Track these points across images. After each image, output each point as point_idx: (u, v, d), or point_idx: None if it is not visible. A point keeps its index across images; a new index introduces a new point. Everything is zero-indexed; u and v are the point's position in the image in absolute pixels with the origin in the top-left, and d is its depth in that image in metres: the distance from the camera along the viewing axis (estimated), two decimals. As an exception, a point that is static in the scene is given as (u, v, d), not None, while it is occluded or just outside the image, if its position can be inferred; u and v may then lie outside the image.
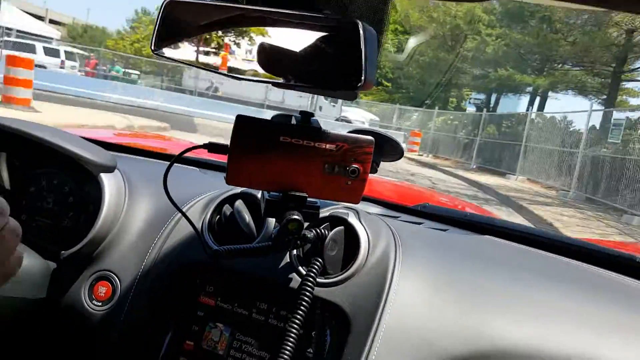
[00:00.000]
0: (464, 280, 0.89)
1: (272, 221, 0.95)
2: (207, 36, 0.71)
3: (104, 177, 1.06)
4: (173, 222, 1.03)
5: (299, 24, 0.62)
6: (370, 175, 0.79)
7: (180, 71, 26.03)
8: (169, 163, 0.82)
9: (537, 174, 14.65)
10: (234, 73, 0.69)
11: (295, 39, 0.64)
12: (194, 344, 0.96)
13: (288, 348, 0.75)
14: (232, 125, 0.72)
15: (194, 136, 11.49)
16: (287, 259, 0.91)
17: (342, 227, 0.90)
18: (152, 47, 0.66)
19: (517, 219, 7.73)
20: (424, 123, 24.53)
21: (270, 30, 0.66)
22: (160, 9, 0.65)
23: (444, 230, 1.17)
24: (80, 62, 25.98)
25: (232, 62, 0.71)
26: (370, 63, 0.58)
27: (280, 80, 0.68)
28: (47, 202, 1.09)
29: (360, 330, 0.83)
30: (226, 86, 23.96)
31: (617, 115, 13.19)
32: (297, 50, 0.64)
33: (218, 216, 1.00)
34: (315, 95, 26.17)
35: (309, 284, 0.81)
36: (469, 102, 33.39)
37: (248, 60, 0.70)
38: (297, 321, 0.77)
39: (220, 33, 0.70)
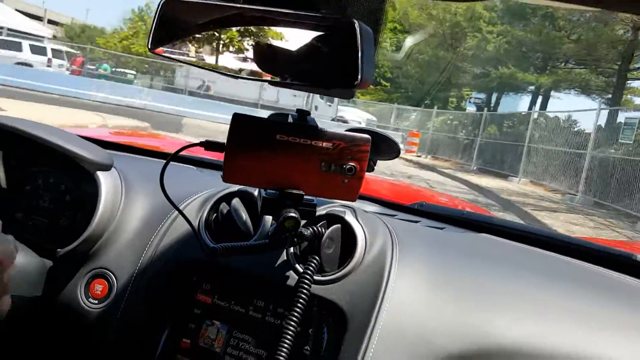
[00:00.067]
0: (461, 278, 0.92)
1: (269, 219, 0.99)
2: (205, 35, 0.74)
3: (101, 175, 1.09)
4: (170, 220, 1.06)
5: (296, 23, 0.65)
6: (367, 174, 0.82)
7: (172, 69, 26.05)
8: (165, 161, 0.85)
9: (540, 176, 14.47)
10: (230, 71, 0.72)
11: (293, 38, 0.67)
12: (191, 342, 0.99)
13: (285, 345, 0.78)
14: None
15: (175, 137, 11.48)
16: (284, 256, 0.95)
17: (339, 225, 0.94)
18: (149, 46, 0.69)
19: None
20: (423, 123, 24.52)
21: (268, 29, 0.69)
22: (158, 8, 0.67)
23: (441, 228, 1.21)
24: (68, 60, 25.94)
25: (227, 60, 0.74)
26: (367, 62, 0.61)
27: (277, 79, 0.71)
28: (44, 201, 1.12)
29: (358, 328, 0.86)
30: (218, 85, 24.01)
31: (629, 114, 12.82)
32: (294, 49, 0.67)
33: (215, 214, 1.03)
34: (311, 95, 26.18)
35: (306, 281, 0.84)
36: (469, 102, 33.44)
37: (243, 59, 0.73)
38: (294, 319, 0.80)
39: (217, 32, 0.73)
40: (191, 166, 1.44)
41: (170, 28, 0.69)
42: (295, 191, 0.79)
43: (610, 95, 20.91)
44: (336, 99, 24.42)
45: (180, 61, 0.74)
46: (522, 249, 1.15)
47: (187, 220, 0.90)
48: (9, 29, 24.76)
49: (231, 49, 0.73)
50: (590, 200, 11.58)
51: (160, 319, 1.00)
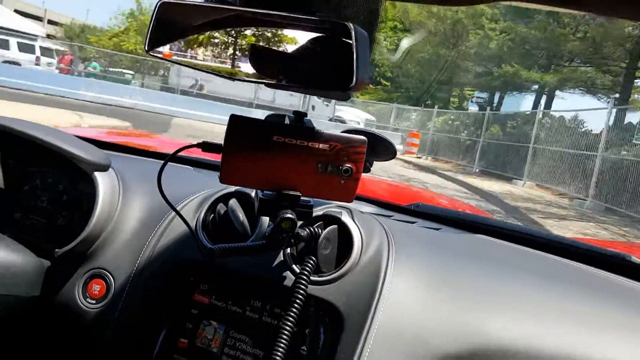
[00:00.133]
0: (458, 279, 0.96)
1: (266, 220, 1.02)
2: (201, 37, 0.77)
3: (98, 175, 1.13)
4: (167, 220, 1.10)
5: (292, 25, 0.69)
6: (364, 174, 0.85)
7: (165, 68, 26.03)
8: (163, 162, 0.89)
9: (547, 179, 14.29)
10: (225, 72, 0.76)
11: (289, 40, 0.70)
12: (188, 342, 1.03)
13: (282, 346, 0.82)
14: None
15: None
16: (281, 257, 0.98)
17: (335, 226, 0.98)
18: (146, 48, 0.71)
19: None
20: (423, 123, 24.49)
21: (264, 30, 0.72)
22: (155, 9, 0.69)
23: (437, 229, 1.25)
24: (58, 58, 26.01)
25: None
26: (362, 64, 0.64)
27: (273, 81, 0.75)
28: (42, 201, 1.16)
29: (354, 328, 0.89)
30: (212, 84, 24.01)
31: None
32: (290, 51, 0.70)
33: (212, 215, 1.07)
34: (308, 95, 26.23)
35: (303, 282, 0.87)
36: (471, 101, 33.48)
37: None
38: (291, 319, 0.84)
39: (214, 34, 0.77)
40: (189, 167, 1.48)
41: (167, 29, 0.71)
42: (292, 192, 0.82)
43: (617, 95, 20.87)
44: (333, 99, 24.41)
45: (177, 62, 0.77)
46: (519, 250, 1.19)
47: (185, 221, 0.94)
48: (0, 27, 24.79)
49: (227, 50, 0.76)
50: (601, 206, 11.38)
51: (157, 319, 1.04)
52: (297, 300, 0.86)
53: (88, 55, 28.90)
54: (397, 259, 0.96)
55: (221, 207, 1.06)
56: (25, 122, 1.13)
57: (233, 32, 0.77)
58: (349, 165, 0.81)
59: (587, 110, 15.03)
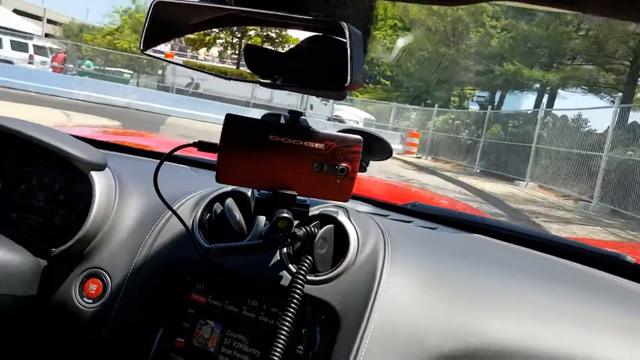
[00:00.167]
0: (454, 278, 0.98)
1: (262, 219, 1.04)
2: (196, 36, 0.79)
3: (95, 175, 1.15)
4: (164, 220, 1.12)
5: (286, 24, 0.70)
6: (360, 174, 0.87)
7: (161, 66, 26.01)
8: (159, 161, 0.90)
9: (550, 180, 14.15)
10: (220, 72, 0.78)
11: (283, 40, 0.72)
12: (185, 341, 1.05)
13: (279, 345, 0.84)
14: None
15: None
16: (277, 256, 1.00)
17: (331, 225, 1.00)
18: (141, 47, 0.73)
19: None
20: (423, 122, 24.49)
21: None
22: (149, 9, 0.71)
23: (433, 228, 1.27)
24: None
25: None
26: (357, 64, 0.66)
27: (268, 80, 0.76)
28: (38, 200, 1.18)
29: (350, 328, 0.91)
30: (209, 83, 24.03)
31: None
32: (285, 51, 0.72)
33: (209, 214, 1.09)
34: (304, 94, 26.31)
35: (299, 281, 0.89)
36: (472, 100, 33.52)
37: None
38: (288, 318, 0.86)
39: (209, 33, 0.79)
40: (185, 166, 1.50)
41: (162, 29, 0.73)
42: (288, 192, 0.84)
43: (620, 94, 20.84)
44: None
45: (171, 62, 0.79)
46: (515, 250, 1.21)
47: (181, 220, 0.96)
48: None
49: (223, 50, 0.78)
50: (607, 208, 11.20)
51: (154, 319, 1.06)
52: (294, 300, 0.87)
53: (82, 53, 28.85)
54: (393, 259, 0.98)
55: (218, 207, 1.08)
56: (21, 122, 1.15)
57: (228, 31, 0.79)
58: (344, 165, 0.82)
59: (592, 108, 14.77)
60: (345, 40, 0.64)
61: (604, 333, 0.90)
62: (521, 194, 12.69)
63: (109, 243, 1.13)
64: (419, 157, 21.63)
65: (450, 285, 0.96)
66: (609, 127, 11.95)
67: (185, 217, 1.06)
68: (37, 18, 42.26)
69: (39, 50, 25.22)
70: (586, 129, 13.99)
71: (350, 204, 1.24)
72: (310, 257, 0.95)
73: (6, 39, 23.59)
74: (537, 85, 24.83)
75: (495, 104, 27.23)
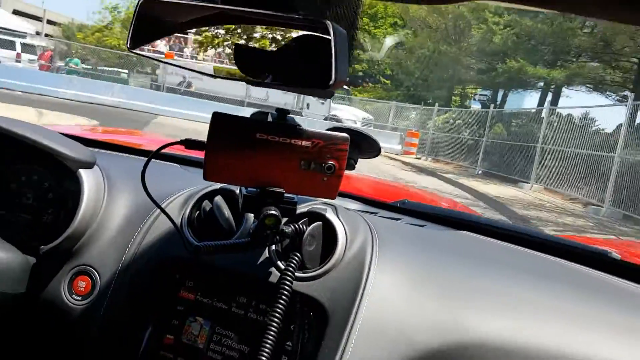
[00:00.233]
0: (442, 275, 1.02)
1: (251, 216, 1.08)
2: (183, 35, 0.83)
3: (83, 173, 1.18)
4: (152, 217, 1.16)
5: (272, 23, 0.74)
6: (351, 172, 0.91)
7: (149, 65, 26.02)
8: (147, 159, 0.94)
9: (556, 182, 13.95)
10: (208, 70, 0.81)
11: (269, 39, 0.75)
12: (174, 338, 1.08)
13: (269, 341, 0.87)
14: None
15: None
16: (266, 254, 1.04)
17: (320, 223, 1.03)
18: (128, 45, 0.76)
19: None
20: (424, 122, 24.53)
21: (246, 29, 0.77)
22: (136, 7, 0.74)
23: (422, 226, 1.31)
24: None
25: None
26: (341, 63, 0.69)
27: (255, 79, 0.80)
28: (27, 198, 1.21)
29: (338, 324, 0.95)
30: (201, 82, 24.05)
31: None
32: (273, 50, 0.76)
33: (197, 212, 1.12)
34: (293, 93, 26.29)
35: (288, 278, 0.93)
36: (474, 99, 33.56)
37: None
38: (277, 315, 0.89)
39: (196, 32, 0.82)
40: (175, 164, 1.54)
41: (149, 27, 0.76)
42: (275, 189, 0.88)
43: (626, 92, 20.82)
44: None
45: (159, 60, 0.82)
46: (503, 247, 1.26)
47: (170, 218, 0.99)
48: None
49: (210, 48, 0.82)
50: (619, 213, 10.98)
51: (143, 316, 1.10)
52: (283, 297, 0.91)
53: (73, 50, 28.87)
54: (381, 256, 1.02)
55: (207, 204, 1.11)
56: (10, 120, 1.18)
57: (215, 30, 0.83)
58: (331, 163, 0.86)
59: (602, 106, 14.60)
60: (329, 39, 0.68)
61: (595, 330, 0.94)
62: (527, 197, 12.45)
63: (97, 240, 1.17)
64: (419, 158, 21.65)
65: (439, 282, 1.00)
66: (620, 127, 11.71)
67: (174, 214, 1.10)
68: (37, 19, 43.35)
69: (28, 48, 25.27)
70: (594, 128, 13.86)
71: (340, 202, 1.28)
72: (298, 254, 0.98)
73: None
74: (541, 84, 24.70)
75: (498, 102, 27.15)
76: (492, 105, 22.28)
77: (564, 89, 24.66)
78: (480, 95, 31.78)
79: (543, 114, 15.99)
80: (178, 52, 0.93)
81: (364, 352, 0.92)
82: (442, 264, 1.07)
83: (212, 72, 0.85)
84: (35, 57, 25.47)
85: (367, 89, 38.58)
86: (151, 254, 1.11)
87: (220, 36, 0.83)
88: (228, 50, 0.82)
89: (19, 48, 24.38)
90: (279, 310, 0.90)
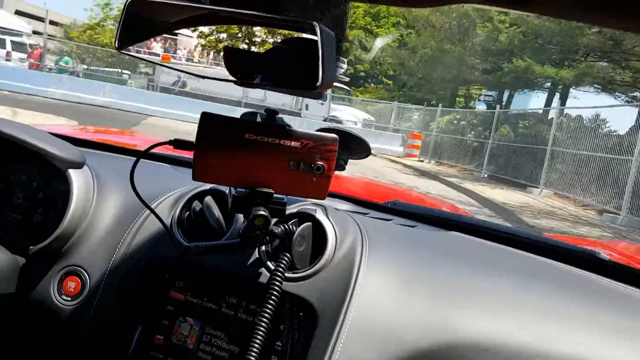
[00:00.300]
0: (431, 275, 1.06)
1: (241, 217, 1.12)
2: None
3: (72, 173, 1.22)
4: (142, 217, 1.19)
5: (260, 24, 0.77)
6: (343, 172, 0.94)
7: (142, 65, 26.05)
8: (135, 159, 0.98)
9: (567, 187, 13.56)
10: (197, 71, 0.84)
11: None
12: (164, 338, 1.12)
13: (257, 342, 0.91)
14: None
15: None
16: (256, 254, 1.08)
17: (309, 223, 1.08)
18: (117, 45, 0.78)
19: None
20: (427, 123, 24.50)
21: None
22: (124, 7, 0.74)
23: (413, 226, 1.35)
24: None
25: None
26: (328, 64, 0.72)
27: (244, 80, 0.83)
28: (17, 198, 1.25)
29: (327, 324, 0.99)
30: (197, 81, 24.09)
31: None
32: (263, 52, 0.79)
33: (188, 212, 1.16)
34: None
35: (278, 278, 0.97)
36: (479, 100, 33.56)
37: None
38: (266, 315, 0.93)
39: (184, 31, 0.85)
40: (166, 164, 1.57)
41: (137, 28, 0.78)
42: (265, 189, 0.91)
43: (636, 93, 20.73)
44: (329, 98, 24.64)
45: (148, 60, 0.86)
46: (492, 247, 1.30)
47: (159, 218, 1.03)
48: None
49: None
50: (637, 222, 10.63)
51: (133, 316, 1.14)
52: (272, 297, 0.95)
53: (68, 49, 28.95)
54: (370, 256, 1.06)
55: (197, 205, 1.15)
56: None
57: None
58: (320, 163, 0.89)
59: (614, 106, 14.38)
60: (316, 40, 0.71)
61: (583, 330, 0.98)
62: (537, 204, 12.19)
63: (87, 241, 1.20)
64: (421, 161, 21.55)
65: (428, 282, 1.04)
66: (635, 128, 11.43)
67: (164, 214, 1.14)
68: (40, 19, 44.30)
69: (19, 47, 25.42)
70: (605, 130, 13.60)
71: (330, 202, 1.33)
72: (288, 255, 1.02)
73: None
74: (548, 84, 24.55)
75: (503, 103, 26.96)
76: (499, 106, 22.03)
77: (571, 90, 24.53)
78: (485, 95, 31.77)
79: (552, 115, 15.67)
80: (172, 55, 0.96)
81: (353, 352, 0.95)
82: (432, 264, 1.11)
83: (205, 74, 0.88)
84: (25, 56, 25.60)
85: (369, 90, 38.64)
86: (141, 254, 1.15)
87: (224, 40, 0.86)
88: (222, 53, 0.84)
89: (9, 46, 24.49)
90: (268, 310, 0.93)
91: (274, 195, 0.92)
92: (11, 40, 25.16)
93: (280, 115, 0.92)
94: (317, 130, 0.93)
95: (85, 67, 27.53)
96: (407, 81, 33.88)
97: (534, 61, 22.36)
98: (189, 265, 1.13)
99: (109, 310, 1.13)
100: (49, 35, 31.06)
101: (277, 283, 0.96)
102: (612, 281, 1.22)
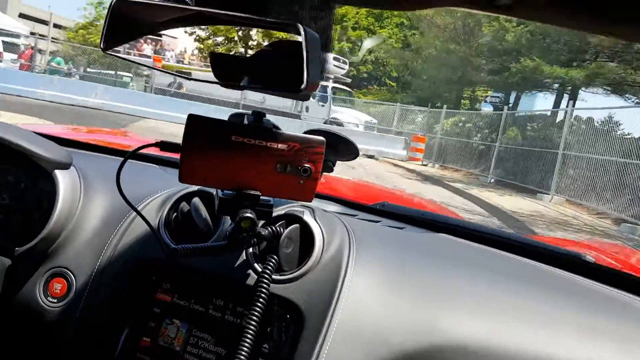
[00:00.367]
0: (418, 277, 1.09)
1: (229, 218, 1.14)
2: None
3: (59, 173, 1.25)
4: (129, 219, 1.23)
5: (245, 24, 0.80)
6: (331, 174, 0.97)
7: (135, 66, 26.13)
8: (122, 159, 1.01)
9: (581, 194, 13.11)
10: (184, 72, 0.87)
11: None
12: (151, 341, 1.15)
13: (246, 344, 0.94)
14: (179, 128, 0.90)
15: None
16: (243, 256, 1.11)
17: (297, 225, 1.11)
18: (102, 46, 0.79)
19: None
20: (430, 126, 24.48)
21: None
22: (109, 8, 0.77)
23: (401, 228, 1.38)
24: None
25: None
26: (313, 65, 0.75)
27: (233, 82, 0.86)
28: (3, 198, 1.28)
29: (314, 326, 1.02)
30: (193, 83, 24.15)
31: None
32: (250, 56, 0.82)
33: (175, 214, 1.19)
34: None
35: (265, 280, 1.00)
36: (485, 101, 33.58)
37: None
38: (254, 317, 0.96)
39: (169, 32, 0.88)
40: (154, 165, 1.61)
41: (123, 28, 0.81)
42: (252, 192, 0.94)
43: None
44: (329, 99, 24.71)
45: (133, 61, 0.89)
46: (480, 249, 1.34)
47: (145, 220, 1.06)
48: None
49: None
50: None
51: (119, 318, 1.17)
52: (260, 299, 0.98)
53: (58, 49, 29.07)
54: (358, 258, 1.09)
55: (184, 206, 1.18)
56: None
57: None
58: (307, 166, 0.92)
59: (627, 107, 14.15)
60: (300, 42, 0.73)
61: (567, 332, 1.01)
62: (549, 213, 11.75)
63: (73, 242, 1.23)
64: (425, 165, 21.53)
65: (416, 284, 1.08)
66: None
67: (151, 216, 1.17)
68: (44, 22, 45.49)
69: (12, 47, 25.57)
70: (619, 132, 13.28)
71: (319, 204, 1.36)
72: (275, 257, 1.05)
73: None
74: (557, 85, 24.40)
75: (510, 105, 26.75)
76: (506, 107, 21.84)
77: (580, 92, 24.39)
78: (492, 96, 31.74)
79: (561, 117, 15.36)
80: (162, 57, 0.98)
81: (340, 354, 0.98)
82: (419, 266, 1.14)
83: (196, 76, 0.91)
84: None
85: (371, 92, 38.69)
86: (128, 256, 1.18)
87: (221, 44, 0.89)
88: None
89: (0, 47, 24.59)
90: (256, 312, 0.96)
91: (261, 197, 0.95)
92: (2, 41, 25.22)
93: (268, 117, 0.94)
94: (305, 133, 0.96)
95: (85, 69, 27.61)
96: (411, 83, 33.88)
97: (543, 61, 22.24)
98: (176, 267, 1.16)
99: (95, 312, 1.16)
100: (53, 38, 31.30)
101: (265, 285, 0.99)
102: (597, 283, 1.26)
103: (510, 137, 18.19)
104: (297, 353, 1.02)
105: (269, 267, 1.02)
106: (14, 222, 1.27)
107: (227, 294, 1.14)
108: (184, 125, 0.90)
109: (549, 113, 19.31)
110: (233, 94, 23.59)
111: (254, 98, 24.05)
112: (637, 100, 21.03)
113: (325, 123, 23.07)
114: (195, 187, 1.21)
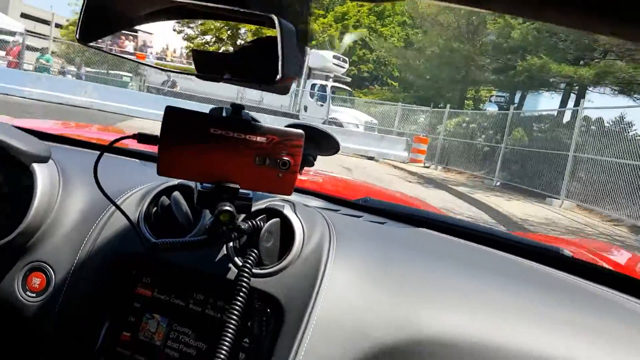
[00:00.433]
0: (399, 271, 1.13)
1: (209, 213, 1.17)
2: (192, 45, 0.91)
3: (37, 167, 1.28)
4: (109, 213, 1.26)
5: (220, 16, 0.83)
6: (313, 169, 1.00)
7: (130, 64, 26.17)
8: (99, 153, 1.03)
9: (593, 198, 12.82)
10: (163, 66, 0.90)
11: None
12: (131, 335, 1.18)
13: (227, 338, 0.97)
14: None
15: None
16: (223, 250, 1.15)
17: (277, 219, 1.14)
18: (77, 37, 0.81)
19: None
20: (433, 126, 24.48)
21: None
22: None
23: (382, 223, 1.41)
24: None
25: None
26: (288, 58, 0.77)
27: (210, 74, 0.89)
28: None
29: (294, 320, 1.05)
30: (188, 82, 24.14)
31: None
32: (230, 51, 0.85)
33: (155, 208, 1.22)
34: (300, 94, 26.14)
35: (245, 274, 1.03)
36: (490, 101, 33.58)
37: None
38: (235, 312, 0.99)
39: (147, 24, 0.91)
40: (135, 159, 1.65)
41: (102, 20, 0.83)
42: (231, 185, 0.97)
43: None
44: (328, 99, 24.73)
45: (112, 54, 0.92)
46: (461, 244, 1.38)
47: (124, 213, 1.09)
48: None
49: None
50: None
51: (99, 313, 1.20)
52: (240, 293, 1.01)
53: (47, 46, 29.09)
54: (338, 252, 1.13)
55: (164, 200, 1.21)
56: None
57: (190, 33, 0.91)
58: (286, 159, 0.96)
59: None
60: (276, 34, 0.76)
61: (546, 326, 1.04)
62: (561, 221, 11.29)
63: (52, 236, 1.26)
64: (427, 167, 21.52)
65: (396, 278, 1.11)
66: None
67: (131, 210, 1.20)
68: (46, 22, 46.91)
69: (2, 44, 25.68)
70: (631, 134, 13.12)
71: (301, 199, 1.40)
72: (255, 251, 1.08)
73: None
74: (564, 84, 24.22)
75: (515, 105, 26.67)
76: (512, 107, 21.68)
77: (587, 91, 24.28)
78: (497, 96, 31.72)
79: (568, 117, 15.27)
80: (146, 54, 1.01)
81: (320, 348, 1.01)
82: (400, 260, 1.17)
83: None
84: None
85: (372, 92, 38.70)
86: (107, 250, 1.21)
87: (210, 43, 0.92)
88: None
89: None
90: (236, 306, 0.99)
91: (240, 190, 0.98)
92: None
93: (246, 110, 0.97)
94: (286, 127, 0.99)
95: (80, 67, 27.63)
96: (414, 82, 33.89)
97: (550, 59, 22.13)
98: (156, 261, 1.19)
99: (74, 307, 1.19)
100: (55, 37, 31.46)
101: (245, 279, 1.02)
102: (576, 278, 1.30)
103: (516, 138, 18.08)
104: (277, 347, 1.05)
105: (249, 261, 1.05)
106: None
107: (208, 288, 1.17)
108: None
109: (556, 113, 19.28)
110: (229, 93, 23.59)
111: (251, 97, 24.08)
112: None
113: (324, 123, 23.05)
114: (175, 181, 1.24)
